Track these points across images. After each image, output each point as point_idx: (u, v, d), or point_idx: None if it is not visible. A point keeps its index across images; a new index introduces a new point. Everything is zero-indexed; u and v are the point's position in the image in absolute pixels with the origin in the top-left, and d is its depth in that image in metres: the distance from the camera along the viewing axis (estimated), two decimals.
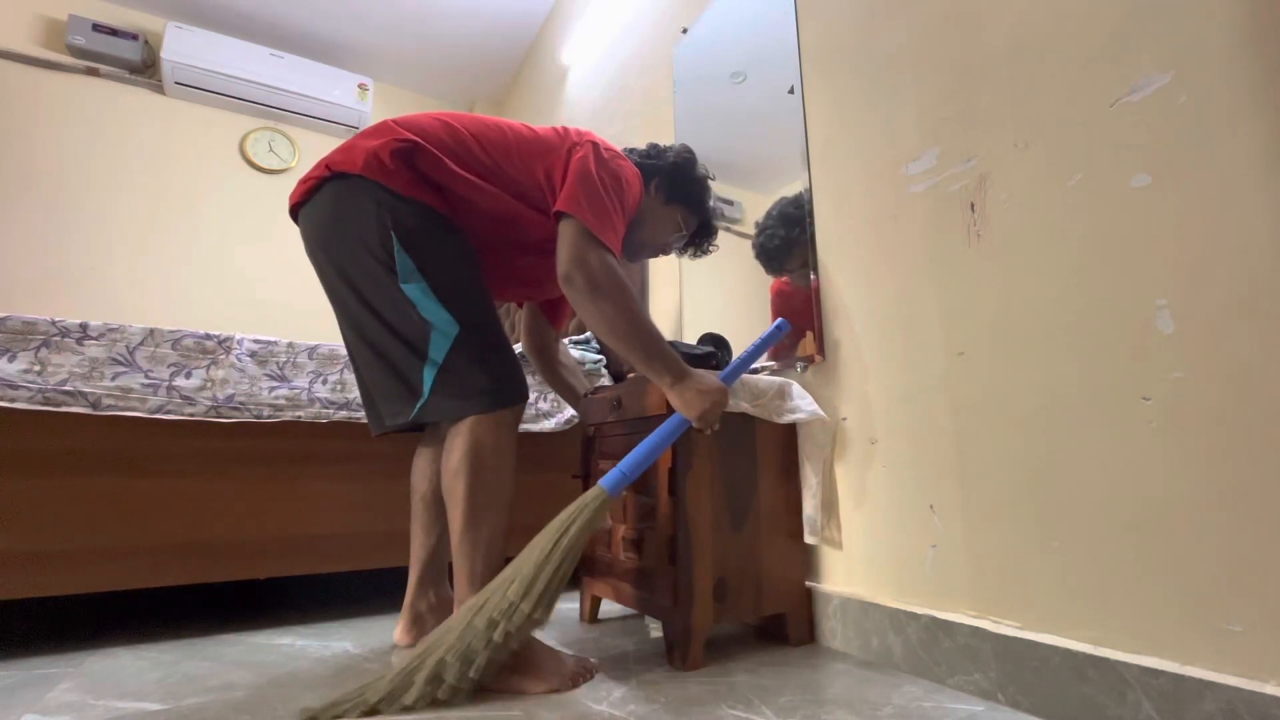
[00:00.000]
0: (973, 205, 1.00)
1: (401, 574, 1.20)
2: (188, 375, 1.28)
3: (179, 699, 0.92)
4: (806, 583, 1.24)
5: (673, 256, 1.81)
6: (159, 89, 3.02)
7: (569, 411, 1.66)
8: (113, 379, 1.21)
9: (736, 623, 1.11)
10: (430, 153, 1.00)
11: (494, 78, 3.67)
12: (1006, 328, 0.94)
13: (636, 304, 1.00)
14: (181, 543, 1.26)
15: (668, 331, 1.83)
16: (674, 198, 1.25)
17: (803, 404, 1.22)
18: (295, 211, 1.08)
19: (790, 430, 1.24)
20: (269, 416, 1.33)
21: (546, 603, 0.88)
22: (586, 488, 1.32)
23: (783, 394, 1.22)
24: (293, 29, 3.20)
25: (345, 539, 1.41)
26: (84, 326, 1.22)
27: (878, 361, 1.15)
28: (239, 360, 1.34)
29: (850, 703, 0.89)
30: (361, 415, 1.41)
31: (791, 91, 1.41)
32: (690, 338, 1.69)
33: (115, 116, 2.91)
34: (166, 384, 1.25)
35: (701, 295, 1.71)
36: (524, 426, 1.60)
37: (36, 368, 1.16)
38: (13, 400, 1.12)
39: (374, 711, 0.83)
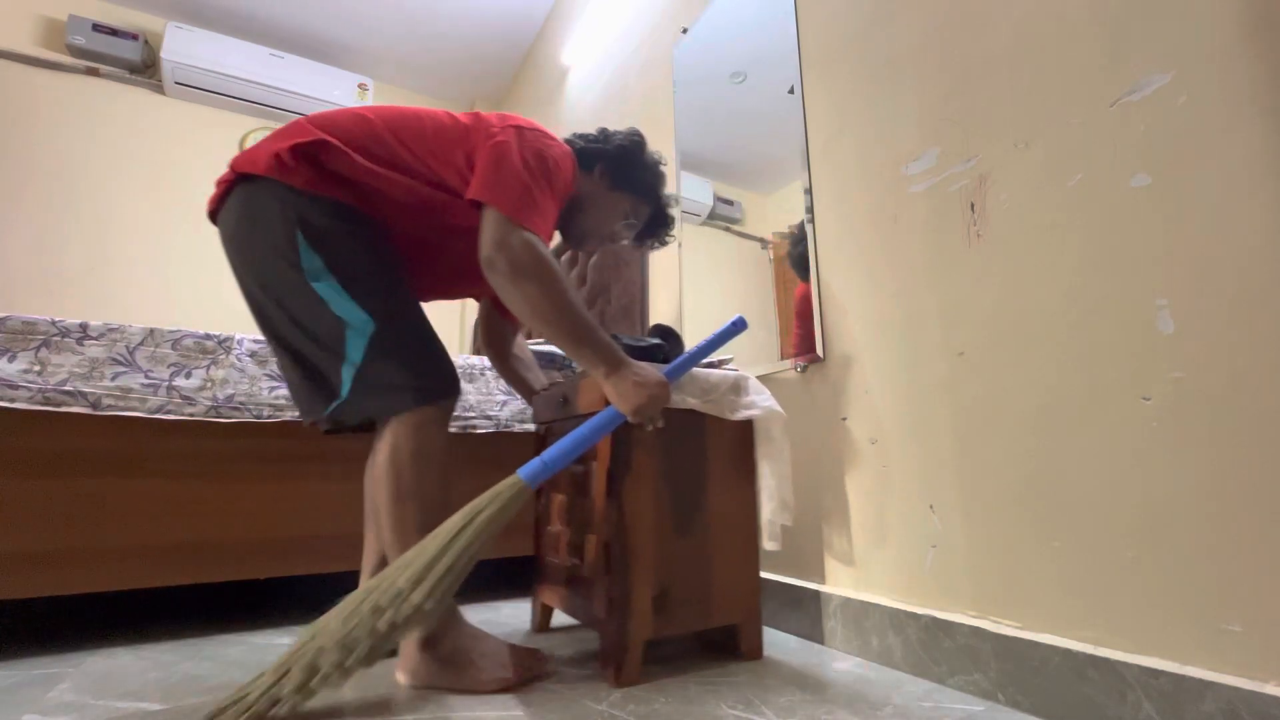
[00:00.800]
0: (973, 205, 1.00)
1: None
2: (188, 375, 1.28)
3: (179, 699, 0.92)
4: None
5: (672, 256, 1.81)
6: (159, 89, 3.02)
7: None
8: (113, 379, 1.21)
9: (681, 634, 1.06)
10: (335, 148, 0.96)
11: (494, 78, 3.67)
12: (1006, 328, 0.94)
13: (564, 287, 0.95)
14: (181, 543, 1.26)
15: None
16: (620, 183, 1.19)
17: (759, 399, 1.14)
18: (215, 217, 1.05)
19: (746, 428, 1.15)
20: (269, 416, 1.33)
21: (440, 594, 0.82)
22: (539, 489, 1.28)
23: (737, 389, 1.14)
24: (293, 29, 3.20)
25: (345, 539, 1.41)
26: (84, 326, 1.22)
27: (878, 361, 1.15)
28: (239, 360, 1.33)
29: (850, 703, 0.89)
30: None
31: (791, 91, 1.41)
32: (690, 341, 1.69)
33: (115, 116, 2.91)
34: (166, 384, 1.25)
35: (701, 295, 1.71)
36: (523, 425, 1.60)
37: (36, 368, 1.16)
38: (13, 400, 1.12)
39: (260, 717, 0.78)
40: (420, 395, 0.97)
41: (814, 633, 1.20)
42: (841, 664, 1.07)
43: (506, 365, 1.38)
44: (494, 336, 1.36)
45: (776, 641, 1.20)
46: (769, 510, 1.09)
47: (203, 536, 1.28)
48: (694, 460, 1.10)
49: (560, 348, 0.97)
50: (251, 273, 0.99)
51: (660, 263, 1.90)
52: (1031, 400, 0.90)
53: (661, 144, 1.95)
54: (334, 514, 1.40)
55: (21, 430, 1.15)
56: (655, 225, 1.28)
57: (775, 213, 1.46)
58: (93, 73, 2.89)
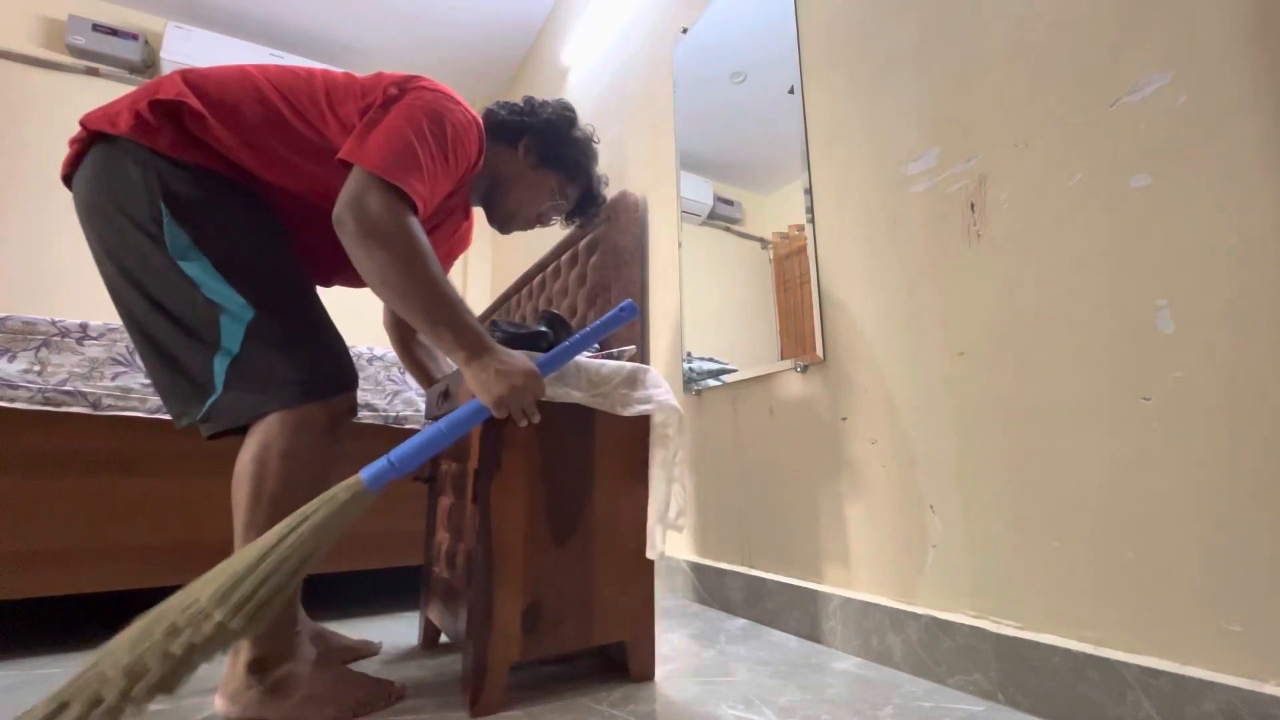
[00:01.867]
0: (973, 205, 1.00)
1: (401, 573, 1.16)
2: None
3: (178, 698, 0.92)
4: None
5: (672, 255, 1.81)
6: None
7: None
8: (113, 379, 1.21)
9: (556, 655, 0.95)
10: (200, 116, 0.85)
11: (494, 78, 3.67)
12: (1006, 328, 0.94)
13: (424, 258, 0.83)
14: (181, 543, 1.26)
15: (666, 334, 1.83)
16: (547, 161, 1.10)
17: (656, 393, 1.02)
18: (69, 181, 0.93)
19: (643, 426, 1.03)
20: None
21: (250, 612, 0.69)
22: (432, 490, 1.24)
23: (633, 381, 1.02)
24: (293, 29, 3.20)
25: (344, 539, 1.40)
26: (84, 326, 1.23)
27: (877, 362, 1.15)
28: None
29: (850, 703, 0.89)
30: (362, 415, 1.41)
31: (791, 91, 1.41)
32: (690, 341, 1.69)
33: None
34: None
35: (701, 295, 1.71)
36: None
37: (36, 368, 1.16)
38: (13, 400, 1.13)
39: None
40: (305, 391, 0.86)
41: (814, 633, 1.20)
42: (841, 664, 1.07)
43: (408, 351, 1.27)
44: (397, 319, 1.24)
45: (776, 641, 1.20)
46: (654, 515, 1.00)
47: (202, 536, 1.28)
48: (579, 460, 0.98)
49: (417, 328, 0.85)
50: (105, 248, 0.87)
51: (660, 263, 1.90)
52: (1031, 400, 0.90)
53: (661, 144, 1.95)
54: None
55: (21, 430, 1.15)
56: (584, 205, 1.20)
57: (775, 213, 1.46)
58: (93, 73, 2.89)
